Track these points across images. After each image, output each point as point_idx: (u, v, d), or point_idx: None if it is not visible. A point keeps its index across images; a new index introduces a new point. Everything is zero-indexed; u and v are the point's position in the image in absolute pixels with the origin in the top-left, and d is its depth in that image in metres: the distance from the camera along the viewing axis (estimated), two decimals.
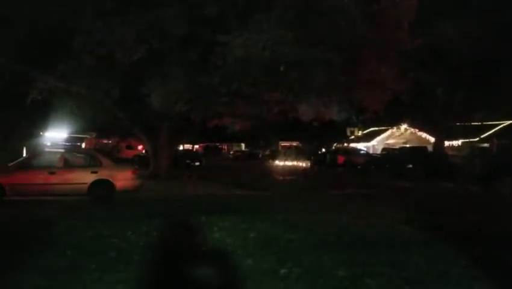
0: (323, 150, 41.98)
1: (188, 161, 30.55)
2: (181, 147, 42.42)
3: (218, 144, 52.08)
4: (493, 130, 31.87)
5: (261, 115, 20.55)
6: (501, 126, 31.99)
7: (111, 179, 11.71)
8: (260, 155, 47.06)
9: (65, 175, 11.51)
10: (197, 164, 31.53)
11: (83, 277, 5.18)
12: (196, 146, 51.72)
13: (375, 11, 14.65)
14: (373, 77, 16.11)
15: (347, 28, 13.29)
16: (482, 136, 31.24)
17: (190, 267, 5.72)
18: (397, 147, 32.95)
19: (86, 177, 11.61)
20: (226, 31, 13.95)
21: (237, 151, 53.67)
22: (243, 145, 60.98)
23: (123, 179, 11.98)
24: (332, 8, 12.90)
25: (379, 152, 35.07)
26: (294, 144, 51.03)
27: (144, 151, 34.23)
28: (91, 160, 12.28)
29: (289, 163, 34.81)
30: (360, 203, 12.36)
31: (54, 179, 11.34)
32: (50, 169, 11.50)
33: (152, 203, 11.77)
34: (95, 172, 11.73)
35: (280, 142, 51.71)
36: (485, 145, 28.92)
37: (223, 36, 13.90)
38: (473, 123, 31.47)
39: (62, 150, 12.75)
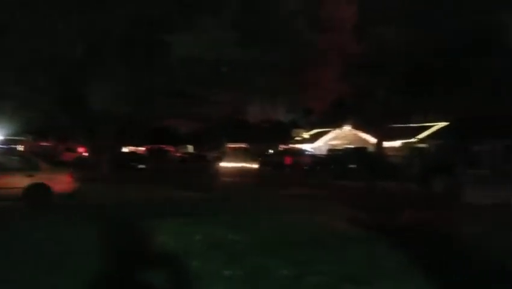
0: (271, 151, 42.33)
1: (132, 164, 29.71)
2: (126, 149, 41.25)
3: (164, 146, 51.10)
4: (429, 132, 33.47)
5: (208, 116, 20.43)
6: (436, 127, 33.67)
7: (47, 183, 11.15)
8: (207, 157, 46.70)
9: None
10: (142, 166, 30.73)
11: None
12: (141, 148, 50.49)
13: (319, 15, 14.98)
14: (317, 80, 16.46)
15: (291, 31, 13.50)
16: (419, 137, 32.73)
17: (133, 272, 5.55)
18: (341, 148, 33.84)
19: (20, 181, 10.98)
20: (171, 31, 13.76)
21: (184, 153, 52.95)
22: (190, 147, 60.24)
23: (60, 182, 11.44)
24: (276, 10, 13.07)
25: (324, 152, 35.87)
26: (242, 145, 51.09)
27: (86, 153, 33.00)
28: (27, 163, 11.64)
29: (237, 165, 34.79)
30: (306, 203, 12.57)
31: None
32: None
33: (91, 207, 11.35)
34: (31, 176, 11.12)
35: (228, 143, 51.57)
36: (423, 145, 30.29)
37: (167, 36, 13.70)
38: (411, 125, 32.93)
39: None
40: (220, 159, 37.12)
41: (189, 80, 14.55)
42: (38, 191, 10.95)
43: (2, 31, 12.95)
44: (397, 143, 32.35)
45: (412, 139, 31.83)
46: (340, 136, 40.01)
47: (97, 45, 13.63)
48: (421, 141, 31.64)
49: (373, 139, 33.99)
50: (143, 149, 51.59)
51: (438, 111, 29.17)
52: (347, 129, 38.58)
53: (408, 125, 32.73)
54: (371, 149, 30.79)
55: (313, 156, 33.37)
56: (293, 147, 40.15)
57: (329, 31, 15.51)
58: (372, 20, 19.76)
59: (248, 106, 19.18)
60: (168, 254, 6.35)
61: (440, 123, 33.31)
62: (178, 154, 52.50)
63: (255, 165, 33.14)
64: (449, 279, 5.46)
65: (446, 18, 20.32)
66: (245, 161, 34.94)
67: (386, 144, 30.96)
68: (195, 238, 7.44)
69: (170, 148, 55.91)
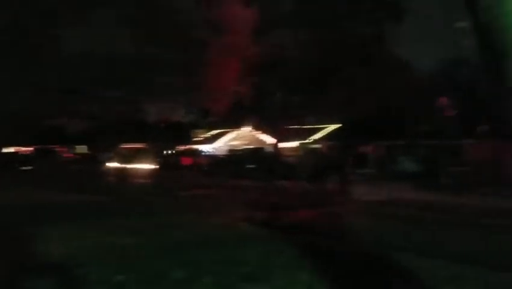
0: (170, 152, 41.59)
1: (16, 165, 27.29)
2: (12, 149, 37.71)
3: (54, 146, 47.64)
4: (323, 133, 35.43)
5: (101, 114, 19.47)
6: (329, 128, 35.74)
7: None
8: (100, 158, 44.45)
9: None
10: (27, 168, 28.36)
11: None
12: (28, 148, 46.55)
13: (217, 17, 15.07)
14: (216, 81, 16.54)
15: (188, 30, 13.40)
16: (313, 138, 34.48)
17: (15, 282, 5.09)
18: (240, 148, 34.37)
19: None
20: (61, 24, 12.88)
21: (76, 154, 49.88)
22: (84, 147, 56.89)
23: None
24: (173, 9, 12.88)
25: (224, 153, 36.14)
26: (139, 145, 49.45)
27: None
28: None
29: (134, 166, 33.67)
30: (204, 204, 12.57)
31: None
32: None
33: None
34: None
35: (124, 143, 49.55)
36: (317, 146, 31.95)
37: (56, 30, 12.81)
38: (306, 126, 34.58)
39: None
40: (116, 160, 35.75)
41: (80, 76, 13.73)
42: None
43: None
44: (293, 144, 33.74)
45: (307, 140, 33.45)
46: (240, 137, 40.62)
47: None
48: (315, 141, 33.40)
49: (271, 140, 35.06)
50: (30, 149, 47.65)
51: (331, 113, 30.96)
52: (246, 129, 39.28)
53: (303, 126, 34.30)
54: (269, 149, 31.72)
55: (212, 157, 33.47)
56: (192, 148, 39.86)
57: (228, 33, 15.66)
58: (270, 22, 20.41)
59: (145, 105, 18.60)
60: (56, 262, 5.92)
61: (332, 125, 35.41)
62: (69, 155, 49.35)
63: (153, 166, 32.38)
64: (337, 270, 5.79)
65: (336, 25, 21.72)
66: (142, 161, 33.97)
67: (283, 144, 32.13)
68: (85, 244, 7.05)
69: (61, 148, 52.30)
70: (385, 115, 27.25)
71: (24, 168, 27.85)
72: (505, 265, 5.64)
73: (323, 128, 35.80)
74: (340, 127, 34.28)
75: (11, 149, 37.81)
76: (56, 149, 46.18)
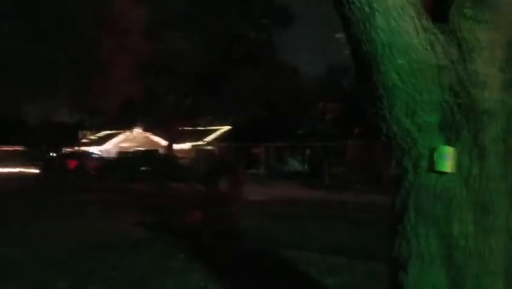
0: (54, 154, 38.90)
1: None
2: None
3: None
4: (216, 135, 35.89)
5: None
6: (221, 130, 36.31)
7: None
8: None
9: None
10: None
11: None
12: None
13: (106, 15, 14.57)
14: (105, 81, 15.98)
15: (73, 27, 12.79)
16: (206, 140, 34.78)
17: None
18: (131, 150, 33.40)
19: None
20: None
21: None
22: None
23: None
24: (56, 4, 12.20)
25: (113, 155, 34.79)
26: (18, 148, 45.44)
27: None
28: None
29: (13, 170, 31.00)
30: (92, 209, 12.07)
31: None
32: None
33: None
34: None
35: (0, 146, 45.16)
36: (210, 147, 32.28)
37: None
38: (199, 128, 34.75)
39: None
40: None
41: None
42: None
43: None
44: (186, 145, 33.68)
45: (200, 142, 33.64)
46: (130, 139, 39.43)
47: None
48: (208, 143, 33.71)
49: (163, 142, 34.60)
50: None
51: (222, 115, 31.51)
52: (137, 131, 38.26)
53: (196, 128, 34.41)
54: (162, 151, 31.31)
55: (101, 159, 32.08)
56: (79, 150, 37.76)
57: (117, 32, 15.22)
58: (162, 23, 20.24)
59: (24, 105, 17.24)
60: None
61: (224, 127, 36.03)
62: None
63: (35, 170, 30.16)
64: (228, 268, 6.03)
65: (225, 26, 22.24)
66: (23, 165, 31.42)
67: (176, 146, 31.92)
68: None
69: None
70: (273, 117, 28.51)
71: None
72: (375, 255, 6.33)
73: (215, 130, 36.27)
74: (231, 129, 35.05)
75: None
76: None
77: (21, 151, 42.76)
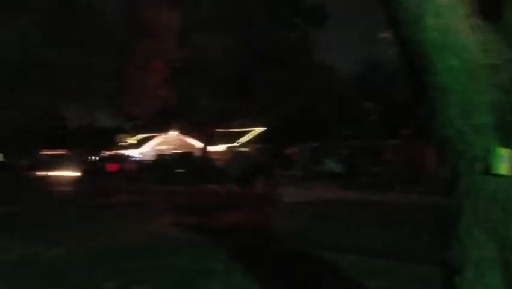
0: (94, 157, 40.03)
1: None
2: None
3: None
4: (250, 136, 36.01)
5: (16, 121, 18.34)
6: (256, 132, 36.40)
7: None
8: (18, 166, 41.74)
9: None
10: None
11: None
12: None
13: (140, 20, 14.86)
14: (141, 85, 16.29)
15: (109, 34, 13.12)
16: (240, 141, 34.93)
17: None
18: (168, 153, 33.95)
19: None
20: None
21: None
22: (0, 155, 52.97)
23: None
24: (90, 10, 12.53)
25: (150, 158, 35.45)
26: (61, 152, 47.03)
27: None
28: None
29: (56, 173, 32.05)
30: (132, 211, 12.35)
31: None
32: None
33: None
34: None
35: (43, 150, 46.84)
36: (244, 149, 32.38)
37: None
38: (233, 130, 34.92)
39: None
40: (34, 168, 33.83)
41: None
42: None
43: None
44: (221, 147, 33.91)
45: (235, 144, 33.81)
46: (167, 142, 40.06)
47: None
48: (243, 145, 33.85)
49: (199, 144, 34.97)
50: None
51: (256, 116, 31.53)
52: (174, 134, 38.83)
53: (230, 130, 34.59)
54: (197, 153, 31.66)
55: (139, 162, 32.77)
56: (118, 153, 38.72)
57: (151, 37, 15.49)
58: (194, 26, 20.45)
59: (65, 111, 17.79)
60: None
61: (258, 128, 36.09)
62: None
63: (77, 173, 31.08)
64: (269, 270, 6.04)
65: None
66: (65, 168, 32.44)
67: (211, 148, 32.19)
68: (7, 256, 6.72)
69: None
70: (309, 118, 28.32)
71: None
72: (417, 256, 6.19)
73: (249, 131, 36.36)
74: (265, 130, 35.05)
75: None
76: None
77: (64, 155, 44.26)
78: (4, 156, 52.05)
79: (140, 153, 39.70)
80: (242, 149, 31.92)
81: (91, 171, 31.80)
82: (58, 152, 46.44)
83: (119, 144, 43.72)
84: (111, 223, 10.29)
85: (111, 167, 31.08)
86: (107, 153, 39.40)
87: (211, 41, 20.06)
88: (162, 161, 30.01)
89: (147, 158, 36.77)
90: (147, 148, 41.44)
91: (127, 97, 16.98)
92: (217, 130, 31.59)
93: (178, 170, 25.44)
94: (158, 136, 40.79)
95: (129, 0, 14.25)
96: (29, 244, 7.60)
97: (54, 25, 12.17)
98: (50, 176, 30.41)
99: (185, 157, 28.50)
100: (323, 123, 28.37)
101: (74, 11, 12.54)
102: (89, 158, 39.80)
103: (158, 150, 38.76)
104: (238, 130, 35.43)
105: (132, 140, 44.30)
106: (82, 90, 14.44)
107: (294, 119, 28.30)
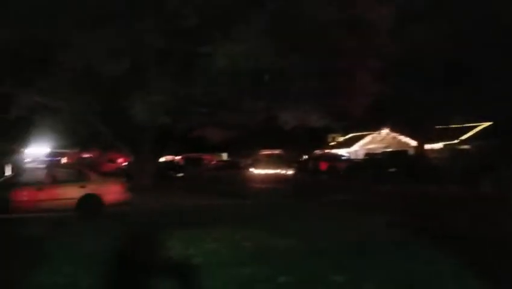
0: (305, 157, 42.12)
1: (170, 172, 30.26)
2: (163, 159, 41.96)
3: (199, 154, 51.72)
4: (472, 132, 32.54)
5: (244, 124, 20.54)
6: (479, 127, 32.70)
7: (99, 194, 11.50)
8: (242, 164, 46.87)
9: (53, 191, 11.24)
10: (179, 175, 31.24)
11: None
12: (177, 157, 51.26)
13: (353, 19, 14.88)
14: (353, 83, 16.33)
15: (325, 36, 13.49)
16: (461, 138, 31.86)
17: (188, 279, 5.64)
18: (378, 151, 33.33)
19: (74, 192, 11.37)
20: (207, 41, 13.96)
21: (218, 161, 53.42)
22: (224, 155, 60.63)
23: (112, 192, 11.77)
24: (310, 17, 13.08)
25: (360, 157, 35.41)
26: (276, 152, 51.00)
27: (124, 164, 33.81)
28: (79, 175, 12.08)
29: (272, 171, 34.78)
30: (347, 209, 12.45)
31: (42, 195, 11.06)
32: (38, 185, 11.20)
33: (142, 216, 11.65)
34: (83, 187, 11.52)
35: (261, 150, 51.57)
36: (465, 147, 29.49)
37: (203, 47, 13.93)
38: (452, 126, 32.06)
39: (48, 166, 12.56)
40: (255, 166, 37.46)
41: (229, 89, 14.73)
42: (91, 201, 11.30)
43: (49, 51, 13.53)
44: (438, 145, 31.62)
45: (454, 141, 31.05)
46: (377, 140, 39.42)
47: (139, 58, 14.02)
48: (463, 142, 30.84)
49: (412, 142, 33.33)
50: (179, 157, 52.42)
51: (481, 111, 28.27)
52: (384, 132, 37.93)
53: (449, 126, 31.85)
54: (411, 151, 30.24)
55: (350, 161, 33.02)
56: (329, 152, 39.83)
57: (364, 33, 15.35)
58: (404, 18, 19.48)
59: (283, 112, 19.11)
60: (221, 262, 6.40)
61: (483, 123, 32.36)
62: (213, 162, 53.00)
63: (290, 172, 33.14)
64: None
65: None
66: (279, 167, 34.93)
67: (427, 146, 30.31)
68: (245, 245, 7.51)
69: (205, 156, 56.56)
70: None
71: (177, 175, 30.76)
72: None
73: (473, 127, 32.88)
74: (491, 125, 31.18)
75: (162, 158, 41.99)
76: (202, 157, 50.06)
77: (278, 154, 47.84)
78: (227, 156, 59.25)
79: (350, 152, 40.05)
80: (463, 146, 29.16)
81: (304, 170, 33.46)
82: (274, 152, 50.45)
83: (330, 143, 45.04)
84: (330, 219, 10.56)
85: (324, 166, 32.13)
86: (319, 152, 40.94)
87: (426, 30, 18.84)
88: (373, 160, 29.61)
89: (357, 157, 36.87)
90: (357, 147, 41.56)
91: (339, 97, 17.24)
92: (434, 126, 29.57)
93: (390, 169, 24.68)
94: (368, 135, 40.47)
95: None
96: (261, 235, 8.33)
97: (278, 34, 13.18)
98: (267, 174, 33.20)
99: (399, 156, 27.46)
100: None
101: (296, 18, 13.35)
102: (302, 157, 42.01)
103: (368, 149, 38.45)
104: (458, 126, 32.37)
105: (341, 139, 45.09)
106: (301, 91, 15.27)
107: None
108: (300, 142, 46.05)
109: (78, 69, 13.46)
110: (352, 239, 8.02)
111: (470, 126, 32.81)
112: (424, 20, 20.91)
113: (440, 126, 31.13)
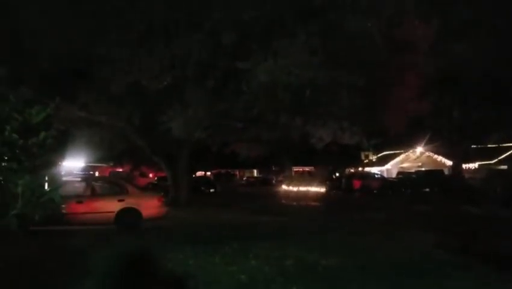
0: (338, 174, 41.76)
1: (203, 188, 30.49)
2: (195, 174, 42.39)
3: (230, 170, 52.01)
4: (509, 152, 31.52)
5: (279, 140, 20.52)
6: None
7: (137, 207, 11.64)
8: (273, 181, 46.84)
9: (92, 204, 11.46)
10: (211, 190, 31.45)
11: None
12: (208, 173, 51.68)
13: (396, 35, 14.76)
14: (394, 100, 16.14)
15: (369, 52, 13.41)
16: (499, 158, 30.91)
17: None
18: (412, 170, 32.71)
19: (113, 206, 11.56)
20: (246, 57, 14.06)
21: (249, 177, 53.58)
22: (254, 171, 60.78)
23: (149, 206, 11.90)
24: (355, 32, 13.03)
25: (393, 175, 34.82)
26: (308, 169, 50.76)
27: (155, 179, 34.28)
28: (118, 188, 12.27)
29: (303, 188, 34.57)
30: (385, 228, 12.22)
31: (81, 208, 11.29)
32: (78, 198, 11.42)
33: (179, 230, 11.73)
34: (122, 200, 11.70)
35: (293, 167, 51.43)
36: (503, 167, 28.61)
37: (242, 63, 14.03)
38: (489, 145, 31.17)
39: (87, 179, 12.81)
40: (286, 183, 37.32)
41: (269, 105, 14.77)
42: (130, 215, 11.45)
43: (91, 66, 13.94)
44: (474, 165, 30.79)
45: (492, 161, 30.18)
46: (411, 159, 38.74)
47: (180, 74, 14.28)
48: (500, 162, 29.93)
49: (448, 161, 32.58)
50: (210, 173, 52.83)
51: None
52: (419, 150, 37.23)
53: (486, 146, 31.02)
54: (447, 171, 29.55)
55: (382, 180, 32.55)
56: (362, 170, 39.37)
57: (406, 51, 15.20)
58: (445, 34, 19.17)
59: (318, 129, 18.95)
60: (264, 280, 6.35)
61: None
62: (244, 178, 53.21)
63: (322, 189, 32.84)
64: None
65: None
66: (311, 184, 34.70)
67: (463, 165, 29.55)
68: (287, 263, 7.44)
69: (236, 172, 56.80)
70: None
71: (209, 190, 30.98)
72: None
73: (510, 148, 31.87)
74: None
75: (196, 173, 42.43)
76: (233, 173, 50.32)
77: (309, 172, 47.59)
78: (257, 172, 59.34)
79: (382, 171, 39.45)
80: (501, 167, 28.31)
81: (336, 188, 33.11)
82: (306, 169, 50.17)
83: (363, 161, 44.49)
84: (371, 237, 10.38)
85: (357, 184, 31.73)
86: (352, 170, 40.51)
87: (466, 47, 18.49)
88: (407, 179, 29.07)
89: (390, 175, 36.28)
90: (389, 166, 40.92)
91: (377, 114, 17.04)
92: (470, 145, 28.85)
93: (425, 189, 24.14)
94: (402, 154, 39.80)
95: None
96: (302, 253, 8.23)
97: (321, 49, 13.16)
98: (299, 191, 32.96)
99: (434, 175, 26.87)
100: None
101: (339, 34, 13.33)
102: (334, 174, 41.66)
103: (402, 167, 37.80)
104: (495, 145, 31.46)
105: (374, 157, 44.47)
106: (344, 107, 15.19)
107: None
108: (331, 160, 45.72)
109: (124, 85, 13.75)
110: (398, 258, 7.85)
111: (507, 146, 31.83)
112: (467, 37, 20.54)
113: (476, 146, 30.34)
